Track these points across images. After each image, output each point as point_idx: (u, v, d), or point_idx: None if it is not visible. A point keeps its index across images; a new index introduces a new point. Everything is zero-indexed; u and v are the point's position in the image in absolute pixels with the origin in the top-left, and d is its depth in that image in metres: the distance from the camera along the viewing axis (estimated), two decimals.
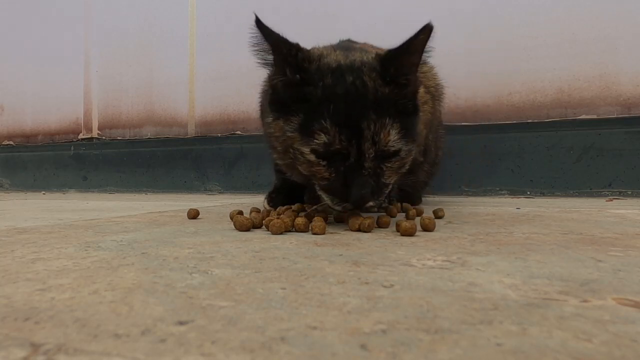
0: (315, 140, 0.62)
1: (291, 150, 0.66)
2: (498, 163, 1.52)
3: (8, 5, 2.40)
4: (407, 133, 0.64)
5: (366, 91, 0.63)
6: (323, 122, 0.62)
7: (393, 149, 0.63)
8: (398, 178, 0.68)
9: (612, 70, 1.41)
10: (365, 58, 0.69)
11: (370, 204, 0.63)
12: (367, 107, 0.62)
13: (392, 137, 0.62)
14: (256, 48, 0.69)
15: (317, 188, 0.67)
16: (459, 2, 1.57)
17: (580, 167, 1.43)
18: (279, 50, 0.67)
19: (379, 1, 1.68)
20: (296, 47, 0.67)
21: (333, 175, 0.64)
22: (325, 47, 0.77)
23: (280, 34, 0.68)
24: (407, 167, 0.68)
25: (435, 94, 0.99)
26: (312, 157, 0.64)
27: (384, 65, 0.66)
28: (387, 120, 0.62)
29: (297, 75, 0.65)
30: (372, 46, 1.03)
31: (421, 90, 0.94)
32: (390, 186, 0.67)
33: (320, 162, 0.64)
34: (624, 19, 1.40)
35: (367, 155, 0.62)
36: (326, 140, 0.61)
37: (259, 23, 0.67)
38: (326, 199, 0.66)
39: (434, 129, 1.03)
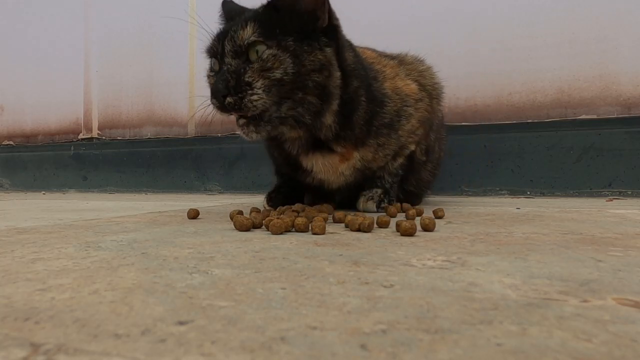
0: (204, 51, 0.78)
1: None
2: (498, 163, 1.52)
3: (8, 5, 2.40)
4: (271, 36, 0.70)
5: (250, 12, 0.76)
6: (213, 37, 0.77)
7: (246, 42, 0.70)
8: (269, 88, 0.71)
9: (612, 70, 1.41)
10: None
11: (228, 99, 0.70)
12: (243, 19, 0.73)
13: (247, 32, 0.70)
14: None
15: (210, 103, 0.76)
16: (459, 2, 1.57)
17: (580, 167, 1.43)
18: (228, 15, 0.84)
19: (379, 1, 1.68)
20: (243, 8, 0.82)
21: (215, 71, 0.76)
22: None
23: (240, 7, 0.84)
24: (274, 74, 0.70)
25: (433, 92, 0.99)
26: (208, 72, 0.79)
27: None
28: (248, 21, 0.71)
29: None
30: (369, 48, 1.03)
31: (416, 87, 0.94)
32: (259, 93, 0.70)
33: (210, 74, 0.78)
34: (624, 19, 1.40)
35: (226, 51, 0.72)
36: (208, 45, 0.77)
37: (223, 4, 0.86)
38: (211, 104, 0.75)
39: (435, 128, 1.03)
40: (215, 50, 0.75)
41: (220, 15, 0.85)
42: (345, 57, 0.80)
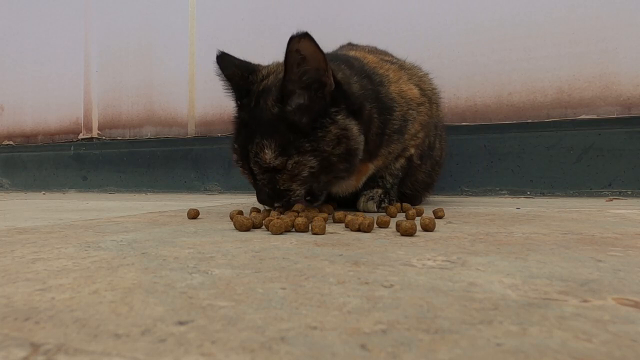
0: (233, 158, 0.82)
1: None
2: (498, 163, 1.52)
3: (8, 5, 2.40)
4: (288, 147, 0.73)
5: (260, 114, 0.76)
6: (234, 144, 0.81)
7: (273, 164, 0.74)
8: (303, 183, 0.76)
9: (612, 70, 1.41)
10: (280, 76, 0.77)
11: (277, 204, 0.77)
12: (256, 130, 0.75)
13: (268, 156, 0.74)
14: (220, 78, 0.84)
15: None
16: (459, 2, 1.57)
17: (580, 167, 1.43)
18: (233, 80, 0.83)
19: (379, 1, 1.68)
20: (248, 71, 0.82)
21: (251, 179, 0.81)
22: (279, 63, 0.83)
23: (239, 63, 0.84)
24: (302, 174, 0.75)
25: (433, 97, 1.01)
26: (237, 165, 0.82)
27: (280, 84, 0.75)
28: (265, 141, 0.74)
29: (239, 101, 0.83)
30: (371, 49, 1.03)
31: (418, 92, 0.95)
32: (298, 190, 0.77)
33: (242, 170, 0.82)
34: (624, 19, 1.40)
35: (254, 171, 0.77)
36: (235, 159, 0.81)
37: (218, 59, 0.83)
38: None
39: (432, 132, 1.03)
40: (245, 168, 0.80)
41: (219, 71, 0.83)
42: (354, 99, 0.79)
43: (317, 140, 0.74)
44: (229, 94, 0.85)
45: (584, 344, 0.21)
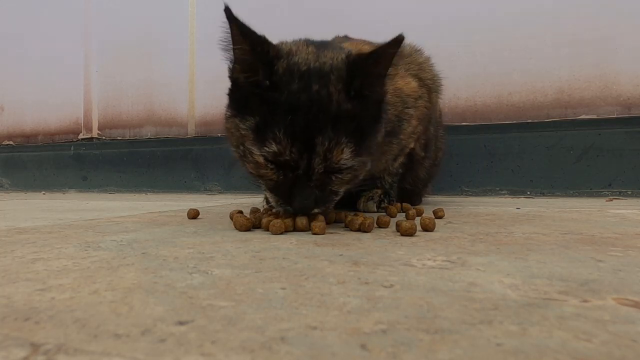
0: (265, 148, 0.61)
1: (241, 147, 0.65)
2: (498, 163, 1.52)
3: (8, 6, 2.40)
4: (362, 149, 0.63)
5: (329, 104, 0.62)
6: (277, 132, 0.60)
7: (345, 166, 0.62)
8: (349, 186, 0.67)
9: (612, 70, 1.41)
10: (335, 61, 0.65)
11: (315, 210, 0.63)
12: (325, 122, 0.61)
13: (345, 156, 0.61)
14: (226, 42, 0.65)
15: (263, 184, 0.67)
16: (459, 2, 1.57)
17: (580, 167, 1.43)
18: (252, 45, 0.63)
19: (379, 1, 1.68)
20: (267, 44, 0.64)
21: (281, 178, 0.63)
22: (295, 42, 0.71)
23: (251, 28, 0.63)
24: (359, 177, 0.66)
25: (432, 86, 0.96)
26: (261, 160, 0.63)
27: (350, 74, 0.63)
28: (342, 139, 0.61)
29: (267, 81, 0.63)
30: (366, 42, 0.99)
31: (416, 85, 0.91)
32: (341, 193, 0.66)
33: (269, 165, 0.63)
34: (624, 19, 1.40)
35: (316, 170, 0.61)
36: (276, 151, 0.61)
37: (228, 13, 0.63)
38: (269, 197, 0.66)
39: (434, 121, 1.01)
40: (294, 164, 0.62)
41: (228, 25, 0.63)
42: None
43: (374, 141, 0.68)
44: (236, 50, 0.65)
45: (584, 344, 0.21)
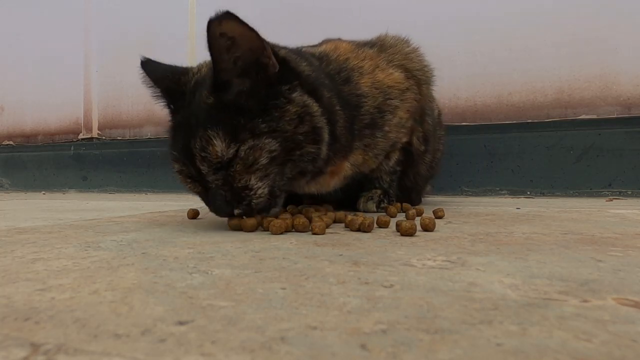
0: (173, 169, 0.69)
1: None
2: (498, 163, 1.52)
3: (8, 6, 2.40)
4: (242, 132, 0.61)
5: (197, 109, 0.64)
6: (173, 151, 0.67)
7: (227, 156, 0.61)
8: (264, 176, 0.64)
9: (612, 70, 1.41)
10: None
11: (237, 212, 0.63)
12: (196, 125, 0.63)
13: (219, 147, 0.61)
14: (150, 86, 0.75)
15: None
16: (459, 2, 1.57)
17: (580, 167, 1.43)
18: (163, 83, 0.72)
19: (379, 1, 1.68)
20: (179, 73, 0.72)
21: (199, 189, 0.67)
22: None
23: (167, 67, 0.74)
24: (260, 162, 0.63)
25: (422, 77, 0.93)
26: (180, 178, 0.69)
27: (211, 75, 0.64)
28: (209, 132, 0.61)
29: (171, 105, 0.71)
30: (345, 40, 0.97)
31: (401, 76, 0.88)
32: (259, 188, 0.64)
33: (187, 181, 0.68)
34: (624, 19, 1.40)
35: (203, 173, 0.63)
36: (177, 168, 0.68)
37: (143, 64, 0.75)
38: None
39: (429, 113, 0.98)
40: (190, 174, 0.66)
41: (145, 77, 0.74)
42: (308, 79, 0.71)
43: (274, 120, 0.63)
44: (159, 101, 0.74)
45: (584, 344, 0.21)
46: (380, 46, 0.91)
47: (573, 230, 0.59)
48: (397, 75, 0.88)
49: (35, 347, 0.21)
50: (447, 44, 1.58)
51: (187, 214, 0.79)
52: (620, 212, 0.85)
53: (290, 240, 0.52)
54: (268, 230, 0.59)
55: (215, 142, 0.61)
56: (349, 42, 0.91)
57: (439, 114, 1.13)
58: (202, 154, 0.62)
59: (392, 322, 0.24)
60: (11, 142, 2.42)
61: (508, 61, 1.52)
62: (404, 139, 0.91)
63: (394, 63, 0.89)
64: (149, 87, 0.74)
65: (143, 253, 0.44)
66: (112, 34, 2.17)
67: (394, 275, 0.34)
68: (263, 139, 0.62)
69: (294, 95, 0.66)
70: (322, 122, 0.68)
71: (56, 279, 0.34)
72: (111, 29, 2.17)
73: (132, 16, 2.12)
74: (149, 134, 2.09)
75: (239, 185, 0.63)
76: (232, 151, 0.61)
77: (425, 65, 0.95)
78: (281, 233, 0.58)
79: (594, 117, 1.42)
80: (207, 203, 0.67)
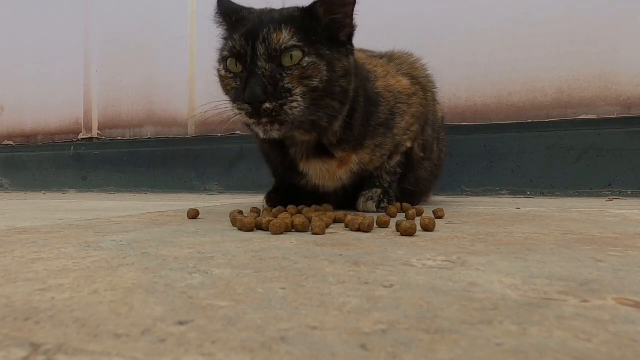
0: (225, 53, 0.73)
1: (218, 79, 0.78)
2: (498, 163, 1.52)
3: (8, 5, 2.40)
4: (308, 42, 0.69)
5: (277, 13, 0.73)
6: (234, 36, 0.71)
7: (284, 46, 0.67)
8: (305, 95, 0.70)
9: (612, 70, 1.41)
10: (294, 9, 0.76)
11: (267, 105, 0.67)
12: (272, 22, 0.70)
13: (284, 37, 0.68)
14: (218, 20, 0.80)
15: (232, 107, 0.73)
16: (459, 2, 1.57)
17: (580, 167, 1.43)
18: (226, 13, 0.78)
19: (379, 1, 1.68)
20: (243, 7, 0.79)
21: (238, 83, 0.71)
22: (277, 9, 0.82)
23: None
24: (312, 81, 0.70)
25: (427, 84, 0.99)
26: (222, 72, 0.74)
27: (308, 6, 0.74)
28: (282, 25, 0.69)
29: (234, 18, 0.77)
30: (359, 49, 1.02)
31: (408, 82, 0.94)
32: (297, 101, 0.69)
33: (228, 75, 0.73)
34: (624, 19, 1.40)
35: (259, 54, 0.68)
36: (231, 46, 0.71)
37: (219, 2, 0.79)
38: (234, 109, 0.72)
39: (431, 124, 1.02)
40: (243, 52, 0.70)
41: (217, 15, 0.80)
42: (355, 61, 0.81)
43: (333, 57, 0.72)
44: (223, 28, 0.80)
45: (584, 344, 0.21)
46: (389, 57, 0.99)
47: (573, 230, 0.59)
48: (405, 82, 0.94)
49: (35, 347, 0.21)
50: (447, 44, 1.58)
51: (187, 214, 0.79)
52: (620, 212, 0.85)
53: (290, 240, 0.52)
54: (268, 230, 0.59)
55: (283, 32, 0.68)
56: (361, 51, 0.99)
57: (442, 119, 1.16)
58: (266, 36, 0.68)
59: (392, 322, 0.24)
60: (11, 142, 2.42)
61: (508, 61, 1.52)
62: (408, 144, 0.95)
63: (402, 71, 0.96)
64: (217, 21, 0.80)
65: (143, 253, 0.44)
66: (112, 34, 2.17)
67: (394, 275, 0.34)
68: (323, 63, 0.70)
69: (351, 57, 0.77)
70: (351, 92, 0.78)
71: (56, 279, 0.34)
72: (111, 29, 2.17)
73: (133, 16, 2.12)
74: (149, 134, 2.09)
75: (285, 86, 0.68)
76: (293, 43, 0.68)
77: (429, 74, 1.02)
78: (281, 233, 0.58)
79: (594, 117, 1.42)
80: (238, 98, 0.70)
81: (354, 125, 0.83)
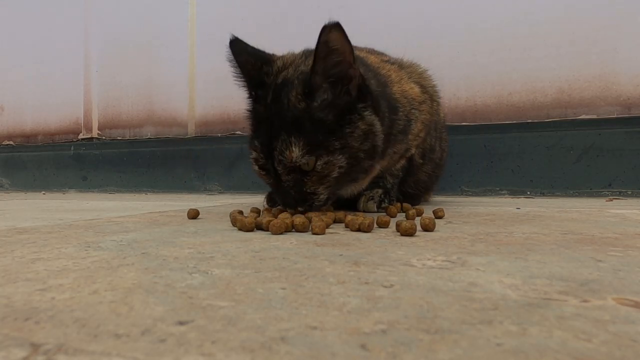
0: (251, 156, 0.77)
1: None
2: (498, 163, 1.52)
3: (8, 5, 2.40)
4: (316, 145, 0.69)
5: (284, 109, 0.71)
6: (255, 141, 0.75)
7: (299, 163, 0.70)
8: (330, 185, 0.73)
9: (612, 70, 1.41)
10: (302, 69, 0.74)
11: (300, 209, 0.72)
12: (281, 126, 0.70)
13: (295, 155, 0.69)
14: (233, 65, 0.79)
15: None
16: (459, 2, 1.57)
17: (580, 167, 1.43)
18: (245, 68, 0.77)
19: (380, 0, 1.68)
20: (262, 61, 0.78)
21: (272, 181, 0.76)
22: (295, 55, 0.80)
23: (252, 50, 0.79)
24: (332, 175, 0.72)
25: (434, 95, 1.00)
26: (255, 168, 0.78)
27: (305, 77, 0.71)
28: (292, 138, 0.69)
29: (253, 92, 0.78)
30: (370, 50, 1.03)
31: (419, 90, 0.95)
32: (323, 194, 0.74)
33: (261, 172, 0.77)
34: (624, 19, 1.40)
35: (278, 171, 0.72)
36: (255, 157, 0.76)
37: (231, 43, 0.78)
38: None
39: (433, 131, 1.03)
40: (266, 167, 0.75)
41: (230, 57, 0.78)
42: (374, 95, 0.78)
43: (345, 137, 0.71)
44: (240, 83, 0.80)
45: (584, 344, 0.21)
46: (399, 64, 0.99)
47: (573, 230, 0.59)
48: (417, 89, 0.94)
49: (35, 347, 0.21)
50: (447, 43, 1.58)
51: (187, 214, 0.79)
52: (620, 212, 0.85)
53: (290, 240, 0.52)
54: (268, 230, 0.59)
55: (294, 149, 0.69)
56: (373, 54, 0.99)
57: (444, 121, 1.16)
58: (280, 157, 0.70)
59: (392, 322, 0.24)
60: (11, 142, 2.42)
61: (508, 61, 1.52)
62: (413, 150, 0.96)
63: (412, 79, 0.96)
64: (233, 66, 0.79)
65: (143, 253, 0.44)
66: (112, 34, 2.17)
67: (394, 275, 0.34)
68: (336, 155, 0.71)
69: (366, 113, 0.74)
70: (380, 139, 0.76)
71: (56, 279, 0.34)
72: (111, 29, 2.17)
73: (133, 16, 2.12)
74: (149, 134, 2.09)
75: (308, 191, 0.73)
76: (304, 160, 0.70)
77: (435, 85, 1.03)
78: (281, 233, 0.58)
79: (594, 117, 1.42)
80: (276, 193, 0.78)
81: (382, 146, 0.81)
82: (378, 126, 0.75)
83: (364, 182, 0.87)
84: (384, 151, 0.84)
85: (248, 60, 0.78)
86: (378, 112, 0.77)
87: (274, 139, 0.71)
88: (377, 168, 0.87)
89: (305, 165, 0.70)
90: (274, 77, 0.75)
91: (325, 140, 0.70)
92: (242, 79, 0.79)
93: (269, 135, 0.72)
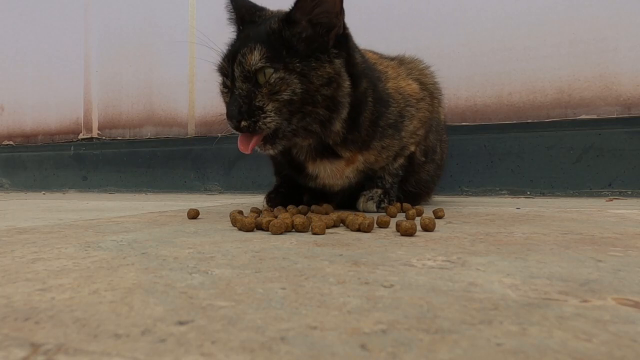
0: (218, 67, 0.79)
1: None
2: (498, 163, 1.52)
3: (8, 5, 2.40)
4: (278, 59, 0.72)
5: (260, 29, 0.76)
6: (222, 60, 0.78)
7: (254, 68, 0.72)
8: (279, 109, 0.74)
9: (612, 70, 1.41)
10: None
11: (243, 123, 0.73)
12: (253, 38, 0.74)
13: (254, 58, 0.72)
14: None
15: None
16: (459, 2, 1.57)
17: (580, 167, 1.43)
18: (240, 11, 0.82)
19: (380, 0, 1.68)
20: (256, 9, 0.83)
21: (227, 92, 0.78)
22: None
23: (251, 2, 0.85)
24: (282, 95, 0.73)
25: (435, 92, 1.00)
26: (220, 87, 0.81)
27: (288, 12, 0.75)
28: (257, 45, 0.72)
29: (241, 27, 0.83)
30: (370, 52, 1.03)
31: (417, 87, 0.95)
32: (270, 116, 0.74)
33: (223, 90, 0.80)
34: (624, 19, 1.40)
35: (235, 75, 0.74)
36: (219, 63, 0.78)
37: None
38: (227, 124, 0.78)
39: (434, 129, 1.03)
40: (226, 72, 0.77)
41: (228, 8, 0.84)
42: (355, 61, 0.81)
43: (308, 67, 0.73)
44: (232, 23, 0.84)
45: (584, 344, 0.21)
46: (400, 61, 1.00)
47: (573, 230, 0.59)
48: (415, 86, 0.95)
49: (35, 347, 0.21)
50: (448, 43, 1.58)
51: (187, 214, 0.79)
52: (620, 212, 0.85)
53: (290, 240, 0.52)
54: (268, 230, 0.59)
55: (255, 53, 0.72)
56: (372, 52, 1.00)
57: (444, 122, 1.16)
58: (241, 59, 0.73)
59: (392, 322, 0.24)
60: (11, 142, 2.42)
61: (508, 61, 1.52)
62: (412, 148, 0.96)
63: (412, 76, 0.96)
64: (228, 10, 0.85)
65: (143, 253, 0.44)
66: (112, 35, 2.17)
67: (394, 275, 0.34)
68: (292, 77, 0.72)
69: (337, 61, 0.76)
70: (344, 99, 0.78)
71: (56, 279, 0.34)
72: (111, 29, 2.17)
73: (133, 16, 2.12)
74: (149, 134, 2.09)
75: (256, 104, 0.73)
76: (260, 65, 0.72)
77: (437, 82, 1.03)
78: (281, 233, 0.58)
79: (594, 117, 1.42)
80: (227, 107, 0.77)
81: (360, 125, 0.83)
82: (346, 84, 0.78)
83: (345, 166, 0.88)
84: (369, 142, 0.86)
85: (243, 5, 0.83)
86: (353, 76, 0.78)
87: (242, 47, 0.74)
88: (360, 160, 0.88)
89: (262, 76, 0.72)
90: (264, 19, 0.80)
91: (288, 59, 0.72)
92: (234, 19, 0.84)
93: (239, 44, 0.76)
